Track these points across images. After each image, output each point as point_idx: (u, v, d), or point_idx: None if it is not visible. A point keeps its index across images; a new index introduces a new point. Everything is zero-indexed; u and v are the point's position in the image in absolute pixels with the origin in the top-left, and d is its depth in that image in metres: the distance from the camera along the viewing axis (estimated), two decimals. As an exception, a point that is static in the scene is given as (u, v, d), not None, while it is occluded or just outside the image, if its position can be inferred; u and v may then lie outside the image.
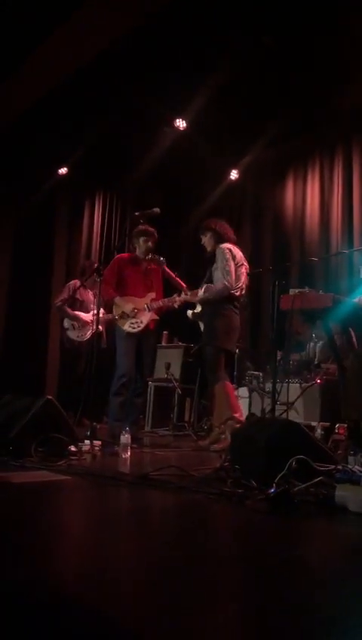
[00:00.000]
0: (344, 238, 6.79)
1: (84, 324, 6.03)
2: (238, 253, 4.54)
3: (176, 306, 4.71)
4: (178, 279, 4.71)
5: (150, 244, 4.76)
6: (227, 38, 5.22)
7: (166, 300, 4.73)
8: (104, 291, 4.56)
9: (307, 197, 7.39)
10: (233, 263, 4.41)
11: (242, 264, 4.51)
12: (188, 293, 4.58)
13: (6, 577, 1.22)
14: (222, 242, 4.51)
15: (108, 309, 5.13)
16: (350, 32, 5.19)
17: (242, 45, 5.27)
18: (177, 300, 4.68)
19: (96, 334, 4.88)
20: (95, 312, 5.98)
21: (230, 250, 4.45)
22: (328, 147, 7.23)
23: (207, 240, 4.62)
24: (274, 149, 7.39)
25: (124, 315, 4.64)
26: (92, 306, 6.06)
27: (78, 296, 6.11)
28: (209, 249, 4.60)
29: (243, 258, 4.56)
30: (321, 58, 5.60)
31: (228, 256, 4.40)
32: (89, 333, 5.97)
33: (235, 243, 4.63)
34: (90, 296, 6.14)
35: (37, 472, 2.67)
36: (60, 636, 1.00)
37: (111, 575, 1.27)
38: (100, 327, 5.95)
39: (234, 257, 4.45)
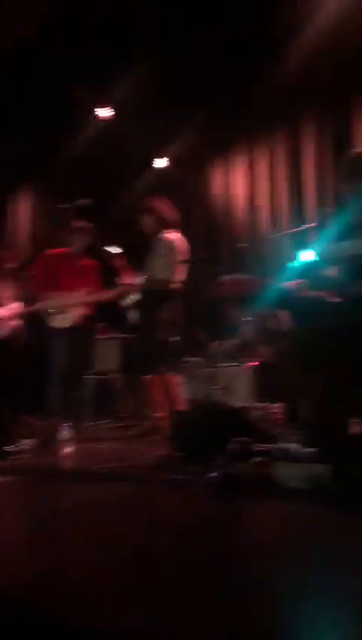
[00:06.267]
0: (272, 222, 6.97)
1: None
2: (180, 243, 4.34)
3: (109, 300, 4.65)
4: (123, 269, 4.54)
5: (85, 239, 4.71)
6: (151, 27, 5.20)
7: (99, 294, 4.68)
8: (33, 286, 4.49)
9: (235, 183, 7.51)
10: (174, 255, 4.22)
11: (183, 254, 4.33)
12: (127, 284, 4.44)
13: None
14: (164, 228, 4.31)
15: (29, 303, 4.91)
16: (273, 22, 5.29)
17: (166, 34, 5.26)
18: (110, 294, 4.63)
19: (17, 330, 4.76)
20: (12, 306, 5.79)
21: (172, 241, 4.26)
22: (253, 133, 7.36)
23: (148, 223, 4.40)
24: (201, 136, 7.44)
25: (54, 311, 4.57)
26: (8, 301, 5.82)
27: None
28: (149, 231, 4.41)
29: (184, 248, 4.36)
30: (243, 47, 5.68)
31: (170, 248, 4.22)
32: (6, 329, 5.73)
33: (177, 227, 4.43)
34: (5, 290, 5.82)
35: (-24, 476, 2.60)
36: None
37: (66, 574, 1.28)
38: (19, 321, 5.79)
39: (175, 248, 4.25)
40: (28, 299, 4.61)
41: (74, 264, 4.72)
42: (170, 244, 4.22)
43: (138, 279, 4.40)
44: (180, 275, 4.29)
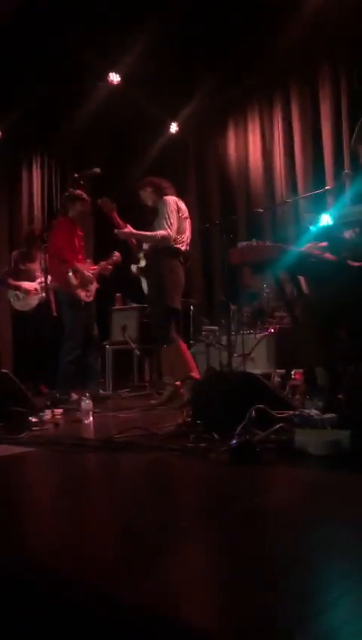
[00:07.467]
0: (288, 186, 6.82)
1: (28, 292, 5.87)
2: (182, 205, 4.40)
3: (107, 273, 4.92)
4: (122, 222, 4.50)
5: (84, 209, 4.76)
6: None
7: (103, 264, 4.86)
8: (70, 256, 4.61)
9: (249, 146, 7.34)
10: (176, 215, 4.26)
11: (186, 217, 4.39)
12: (129, 232, 4.36)
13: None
14: (163, 195, 4.37)
15: (55, 277, 4.93)
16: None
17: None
18: (109, 268, 4.87)
19: (45, 302, 4.86)
20: (41, 280, 5.88)
21: (175, 202, 4.32)
22: (266, 92, 7.16)
23: (147, 194, 4.46)
24: (213, 99, 7.27)
25: (81, 284, 4.64)
26: (37, 274, 5.93)
27: (21, 266, 5.96)
28: (150, 203, 4.46)
29: (186, 211, 4.43)
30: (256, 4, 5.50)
31: (173, 208, 4.26)
32: (35, 302, 5.85)
33: (174, 193, 4.48)
34: (35, 264, 5.99)
35: (-1, 447, 2.65)
36: (38, 610, 1.02)
37: (87, 543, 1.29)
38: (49, 295, 5.87)
39: (178, 210, 4.31)
40: (53, 270, 4.72)
41: (80, 233, 4.78)
42: (171, 203, 4.27)
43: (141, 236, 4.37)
44: (184, 233, 4.32)
